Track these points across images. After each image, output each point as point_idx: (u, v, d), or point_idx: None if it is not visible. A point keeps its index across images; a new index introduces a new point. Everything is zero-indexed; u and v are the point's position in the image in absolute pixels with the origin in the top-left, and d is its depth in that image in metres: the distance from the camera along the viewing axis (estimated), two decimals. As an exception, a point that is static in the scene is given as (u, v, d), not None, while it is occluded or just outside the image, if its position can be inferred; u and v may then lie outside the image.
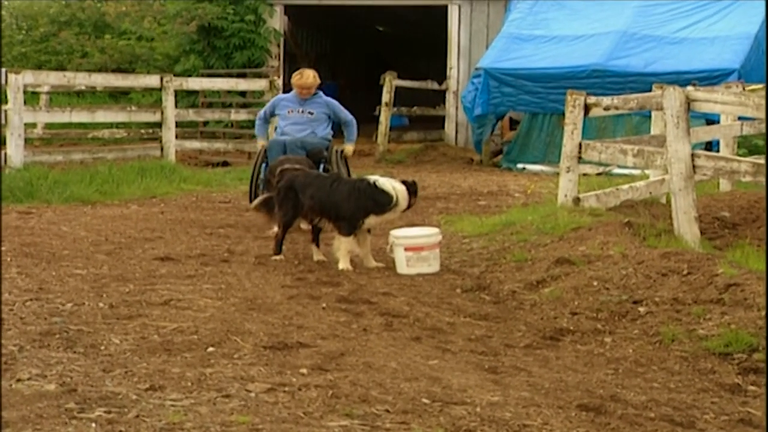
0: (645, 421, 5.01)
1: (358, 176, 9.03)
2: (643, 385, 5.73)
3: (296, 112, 11.66)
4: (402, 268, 8.53)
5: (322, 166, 11.32)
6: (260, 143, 11.99)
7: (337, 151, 11.78)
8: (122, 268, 8.12)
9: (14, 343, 5.68)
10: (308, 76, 11.84)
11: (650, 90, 11.76)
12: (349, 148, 12.02)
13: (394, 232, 8.82)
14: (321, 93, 11.96)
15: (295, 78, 11.87)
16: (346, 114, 12.04)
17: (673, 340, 6.50)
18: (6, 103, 13.65)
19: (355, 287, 7.82)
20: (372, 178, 8.64)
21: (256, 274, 8.17)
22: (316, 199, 8.62)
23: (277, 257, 8.79)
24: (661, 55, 17.26)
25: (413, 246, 8.56)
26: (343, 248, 8.51)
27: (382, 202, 8.45)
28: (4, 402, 4.64)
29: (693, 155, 9.24)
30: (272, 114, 11.97)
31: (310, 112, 11.67)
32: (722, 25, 17.72)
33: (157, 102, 17.54)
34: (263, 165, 11.50)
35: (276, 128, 12.09)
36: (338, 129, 12.14)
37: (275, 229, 9.48)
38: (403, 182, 8.69)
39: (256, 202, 9.24)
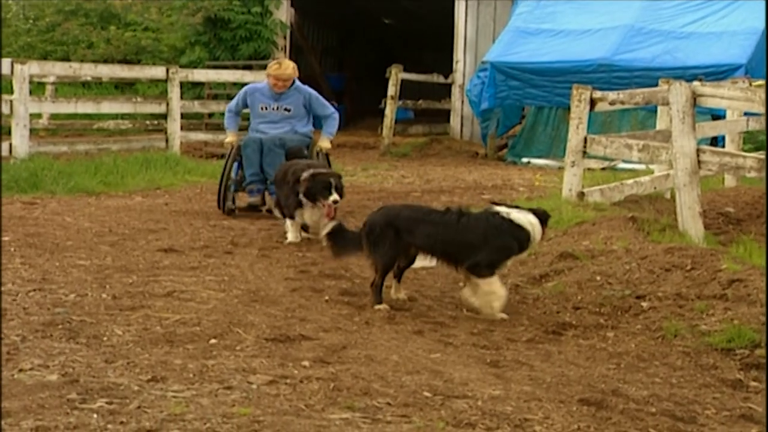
0: (646, 416, 5.01)
1: (484, 208, 7.32)
2: (645, 380, 5.72)
3: (271, 108, 10.78)
4: None
5: None
6: (230, 138, 11.07)
7: (319, 149, 10.89)
8: (125, 259, 8.12)
9: (17, 333, 5.69)
10: (287, 67, 10.82)
11: (656, 85, 11.74)
12: (326, 143, 10.90)
13: None
14: (297, 81, 10.92)
15: (273, 68, 10.81)
16: (326, 107, 10.99)
17: (676, 336, 6.49)
18: (11, 93, 13.65)
19: (357, 280, 7.82)
20: (503, 210, 7.07)
21: (259, 266, 8.17)
22: (436, 238, 7.02)
23: (380, 307, 6.97)
24: (668, 50, 17.23)
25: None
26: (492, 290, 6.93)
27: (521, 239, 6.95)
28: (6, 392, 4.65)
29: (698, 150, 9.22)
30: (244, 106, 11.02)
31: (286, 109, 10.78)
32: (730, 20, 17.67)
33: (163, 93, 17.53)
34: (235, 165, 10.85)
35: (249, 124, 11.16)
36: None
37: (290, 236, 9.27)
38: (533, 212, 7.16)
39: (325, 231, 7.41)
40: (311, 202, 9.13)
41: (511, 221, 6.92)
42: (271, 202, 10.53)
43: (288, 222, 9.45)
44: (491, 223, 6.96)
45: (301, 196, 9.13)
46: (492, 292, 6.90)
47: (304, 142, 10.81)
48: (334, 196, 9.00)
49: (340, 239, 7.29)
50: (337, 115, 11.00)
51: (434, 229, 7.01)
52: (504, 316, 6.88)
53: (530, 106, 18.26)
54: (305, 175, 9.10)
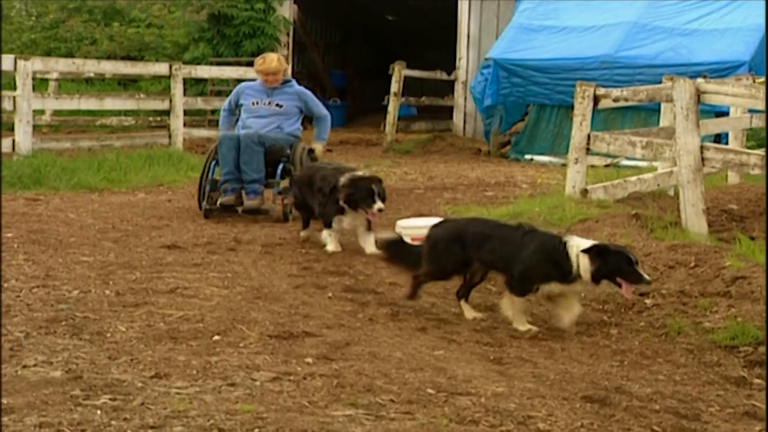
0: (650, 413, 5.01)
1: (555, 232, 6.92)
2: (649, 378, 5.72)
3: (262, 103, 10.56)
4: None
5: (281, 166, 10.38)
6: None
7: (303, 149, 10.49)
8: (129, 256, 8.12)
9: (20, 329, 5.69)
10: (272, 60, 10.58)
11: (660, 82, 11.73)
12: (319, 147, 10.67)
13: (401, 222, 8.81)
14: (293, 82, 10.83)
15: (258, 63, 10.68)
16: (320, 108, 10.74)
17: (679, 333, 6.50)
18: (15, 89, 13.65)
19: (361, 277, 7.82)
20: (568, 238, 6.61)
21: (263, 263, 8.17)
22: (499, 254, 6.72)
23: (412, 301, 6.96)
24: (672, 47, 17.22)
25: (420, 236, 8.53)
26: (514, 309, 6.69)
27: (561, 268, 6.46)
28: (9, 388, 4.65)
29: (702, 147, 9.22)
30: (237, 104, 10.79)
31: (278, 104, 10.54)
32: (734, 16, 17.66)
33: (166, 90, 17.54)
34: (213, 164, 10.47)
35: (237, 121, 10.90)
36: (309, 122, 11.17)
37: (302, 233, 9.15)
38: (596, 248, 6.41)
39: (381, 242, 7.26)
40: (352, 210, 8.64)
41: (559, 248, 6.47)
42: (254, 201, 10.20)
43: (325, 231, 8.89)
44: (543, 244, 6.58)
45: (342, 203, 8.63)
46: (511, 309, 6.66)
47: (288, 141, 10.46)
48: (379, 204, 8.52)
49: (398, 252, 7.14)
50: (329, 118, 10.78)
51: (499, 244, 6.71)
52: (533, 329, 6.57)
53: (533, 104, 18.24)
54: (343, 180, 8.64)
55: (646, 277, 6.33)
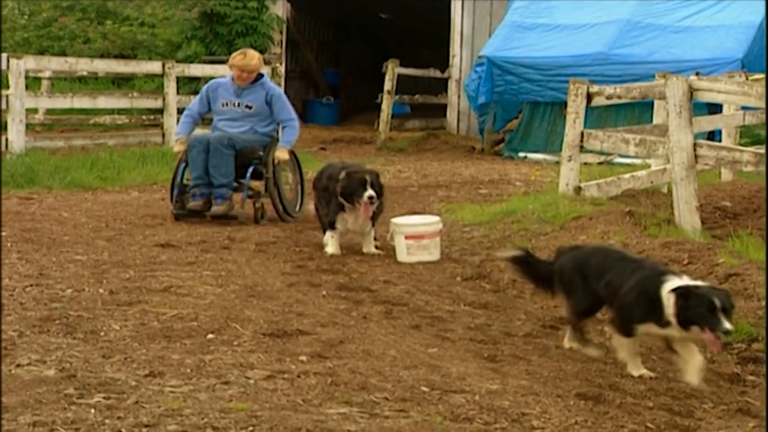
0: (643, 410, 5.02)
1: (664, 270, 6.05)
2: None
3: (231, 105, 10.06)
4: (402, 256, 8.52)
5: (251, 168, 10.00)
6: (178, 148, 10.24)
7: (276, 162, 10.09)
8: (122, 255, 8.12)
9: (14, 328, 5.68)
10: (253, 58, 10.05)
11: (653, 79, 11.75)
12: (284, 153, 10.07)
13: (395, 220, 8.81)
14: (266, 78, 10.24)
15: (237, 58, 10.07)
16: (287, 111, 10.15)
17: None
18: (7, 88, 13.63)
19: (355, 275, 7.82)
20: (670, 277, 5.78)
21: (257, 261, 8.16)
22: (611, 288, 6.05)
23: (592, 352, 6.16)
24: (665, 44, 17.25)
25: (414, 234, 8.55)
26: (625, 351, 5.96)
27: (652, 308, 5.76)
28: (3, 387, 4.64)
29: (695, 145, 9.23)
30: (203, 108, 10.26)
31: (247, 105, 10.04)
32: (726, 14, 17.69)
33: (159, 88, 17.51)
34: (183, 167, 10.03)
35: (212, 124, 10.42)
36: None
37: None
38: (680, 289, 5.65)
39: (506, 255, 6.87)
40: (349, 204, 8.55)
41: (655, 285, 5.75)
42: (222, 207, 9.84)
43: (328, 233, 8.73)
44: (642, 280, 5.88)
45: (339, 198, 8.57)
46: (621, 351, 5.98)
47: (262, 143, 10.05)
48: (369, 192, 8.45)
49: (530, 269, 6.64)
50: (297, 124, 10.22)
51: (612, 278, 6.05)
52: (647, 373, 5.84)
53: (526, 101, 18.24)
54: (341, 175, 8.61)
55: (726, 325, 5.46)
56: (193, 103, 10.44)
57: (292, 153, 10.28)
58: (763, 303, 6.57)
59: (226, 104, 10.09)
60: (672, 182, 9.56)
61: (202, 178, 9.90)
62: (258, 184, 10.18)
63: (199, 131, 10.45)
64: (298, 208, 10.52)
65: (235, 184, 10.00)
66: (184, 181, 10.08)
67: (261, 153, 9.98)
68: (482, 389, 5.04)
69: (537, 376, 5.47)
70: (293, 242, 9.16)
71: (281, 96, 10.17)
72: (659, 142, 9.74)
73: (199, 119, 10.46)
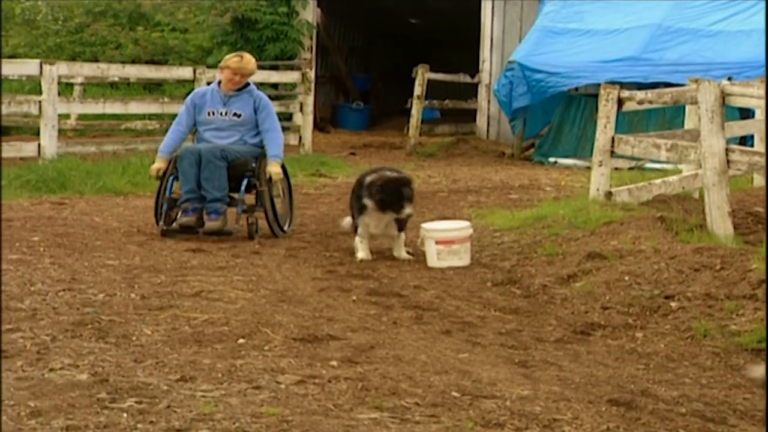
0: (676, 416, 4.99)
1: None
2: (675, 381, 5.70)
3: (218, 114, 9.43)
4: (432, 261, 8.51)
5: (246, 181, 9.37)
6: (156, 164, 9.56)
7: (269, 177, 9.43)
8: (154, 259, 8.15)
9: (47, 332, 5.72)
10: (249, 61, 9.53)
11: (684, 84, 11.69)
12: (276, 167, 9.41)
13: (425, 225, 8.81)
14: (252, 86, 9.64)
15: (233, 60, 9.51)
16: (273, 121, 9.51)
17: (705, 336, 6.46)
18: (40, 93, 13.72)
19: (385, 280, 7.82)
20: None
21: (287, 266, 8.18)
22: None
23: None
24: (696, 48, 17.17)
25: (444, 239, 8.54)
26: None
27: None
28: (36, 391, 4.68)
29: (727, 150, 9.17)
30: (191, 120, 9.60)
31: (235, 114, 9.42)
32: (759, 17, 17.55)
33: (190, 94, 17.55)
34: (172, 180, 9.38)
35: (195, 134, 9.73)
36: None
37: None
38: None
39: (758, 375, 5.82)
40: (380, 211, 8.47)
41: None
42: (216, 223, 9.22)
43: (357, 238, 8.67)
44: None
45: (368, 203, 8.48)
46: None
47: (253, 154, 9.45)
48: (408, 210, 8.43)
49: None
50: (280, 135, 9.59)
51: None
52: None
53: (558, 91, 18.02)
54: (369, 179, 8.52)
55: None
56: (180, 116, 9.71)
57: (282, 166, 9.56)
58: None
59: (212, 113, 9.47)
60: (704, 187, 9.50)
61: (194, 191, 9.21)
62: (249, 197, 9.58)
63: (201, 144, 9.58)
64: (288, 224, 9.77)
65: (228, 198, 9.38)
66: (173, 195, 9.41)
67: (254, 165, 9.38)
68: (513, 395, 5.03)
69: (568, 382, 5.44)
70: (323, 247, 9.17)
71: (269, 105, 9.60)
72: (691, 147, 9.69)
73: (188, 133, 9.78)
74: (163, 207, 9.36)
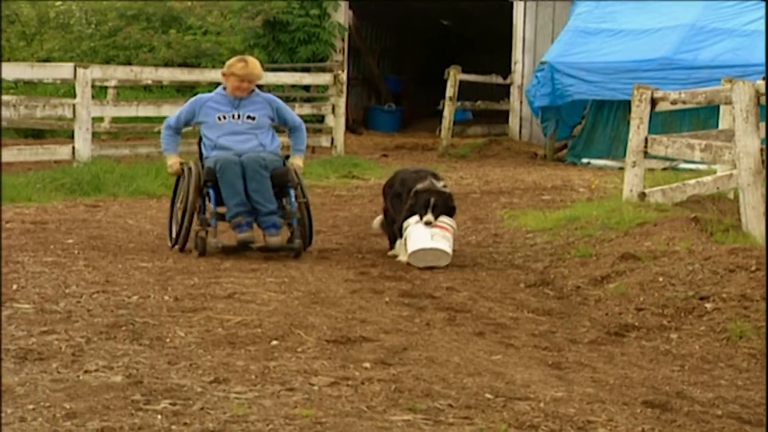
0: (712, 418, 4.95)
1: None
2: (710, 382, 5.66)
3: (230, 117, 8.85)
4: (425, 242, 8.35)
5: (292, 193, 8.77)
6: (172, 161, 9.07)
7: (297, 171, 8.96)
8: (187, 262, 8.18)
9: (81, 335, 5.76)
10: (255, 65, 8.99)
11: (719, 83, 11.61)
12: (299, 161, 9.09)
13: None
14: (256, 89, 9.13)
15: (238, 66, 8.90)
16: (293, 116, 9.16)
17: (741, 337, 6.41)
18: (74, 97, 13.81)
19: (418, 282, 7.81)
20: None
21: (319, 268, 8.19)
22: None
23: None
24: (731, 48, 17.03)
25: (439, 225, 8.46)
26: None
27: None
28: (71, 393, 4.71)
29: (762, 150, 9.10)
30: (188, 122, 9.11)
31: (249, 117, 8.88)
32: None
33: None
34: (210, 191, 8.66)
35: (202, 142, 9.11)
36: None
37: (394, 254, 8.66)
38: None
39: None
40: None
41: None
42: (278, 238, 8.69)
43: (398, 242, 8.63)
44: None
45: (407, 212, 8.46)
46: None
47: (280, 162, 8.91)
48: (428, 217, 8.36)
49: None
50: (304, 127, 9.25)
51: None
52: None
53: (585, 99, 18.04)
54: (416, 188, 8.47)
55: None
56: (174, 117, 9.22)
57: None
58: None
59: (223, 117, 8.88)
60: (738, 188, 9.44)
61: (244, 204, 8.62)
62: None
63: (218, 152, 8.90)
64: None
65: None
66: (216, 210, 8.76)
67: (295, 177, 8.85)
68: (547, 396, 5.01)
69: (602, 384, 5.42)
70: (356, 249, 9.17)
71: (281, 102, 9.14)
72: (725, 147, 9.62)
73: (180, 132, 9.32)
74: (210, 223, 8.64)
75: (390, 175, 9.51)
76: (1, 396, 4.62)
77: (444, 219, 8.53)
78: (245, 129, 8.88)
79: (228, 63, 9.08)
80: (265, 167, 8.65)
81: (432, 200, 8.46)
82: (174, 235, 8.84)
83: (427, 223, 8.40)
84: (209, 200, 8.69)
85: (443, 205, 8.52)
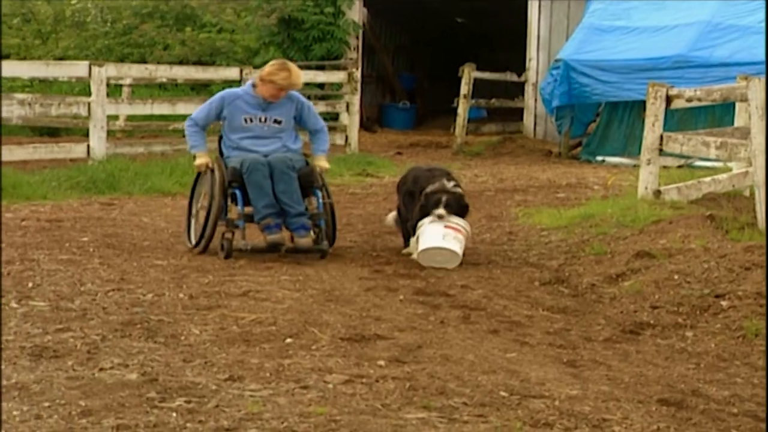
0: (728, 416, 4.94)
1: None
2: (726, 380, 5.64)
3: (257, 120, 8.63)
4: (436, 241, 8.35)
5: (319, 194, 8.65)
6: (201, 160, 8.75)
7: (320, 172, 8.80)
8: (201, 259, 8.19)
9: (97, 332, 5.77)
10: (299, 75, 8.70)
11: (734, 81, 11.57)
12: (325, 162, 8.92)
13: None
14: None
15: (281, 75, 8.56)
16: (317, 120, 8.96)
17: (757, 335, 6.39)
18: (89, 95, 13.84)
19: (432, 279, 7.81)
20: None
21: (334, 265, 8.19)
22: None
23: None
24: (746, 45, 16.95)
25: (451, 226, 8.44)
26: None
27: None
28: (87, 390, 4.72)
29: (778, 147, 9.07)
30: (217, 117, 8.77)
31: (276, 120, 8.67)
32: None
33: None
34: (237, 192, 8.49)
35: (222, 141, 8.87)
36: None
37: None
38: None
39: None
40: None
41: None
42: (308, 239, 8.50)
43: (413, 240, 8.60)
44: None
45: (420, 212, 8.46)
46: None
47: (303, 162, 8.78)
48: (439, 211, 8.35)
49: None
50: (326, 129, 9.06)
51: None
52: None
53: (602, 101, 18.06)
54: (427, 189, 8.47)
55: None
56: (200, 113, 8.85)
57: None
58: None
59: (250, 119, 8.65)
60: (754, 185, 9.40)
61: (273, 206, 8.44)
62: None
63: (240, 152, 8.69)
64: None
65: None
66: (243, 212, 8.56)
67: (320, 179, 8.72)
68: (562, 394, 5.00)
69: (618, 382, 5.40)
70: (370, 247, 9.18)
71: (308, 104, 8.95)
72: (741, 144, 9.59)
73: (207, 129, 9.00)
74: (239, 225, 8.46)
75: (403, 172, 9.50)
76: (1, 395, 4.63)
77: (457, 220, 8.51)
78: (270, 133, 8.68)
79: (269, 70, 8.65)
80: (292, 168, 8.49)
81: (444, 198, 8.45)
82: (196, 236, 8.67)
83: (440, 217, 8.38)
84: (235, 201, 8.53)
85: (455, 204, 8.51)
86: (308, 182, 8.61)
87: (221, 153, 8.84)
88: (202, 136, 8.83)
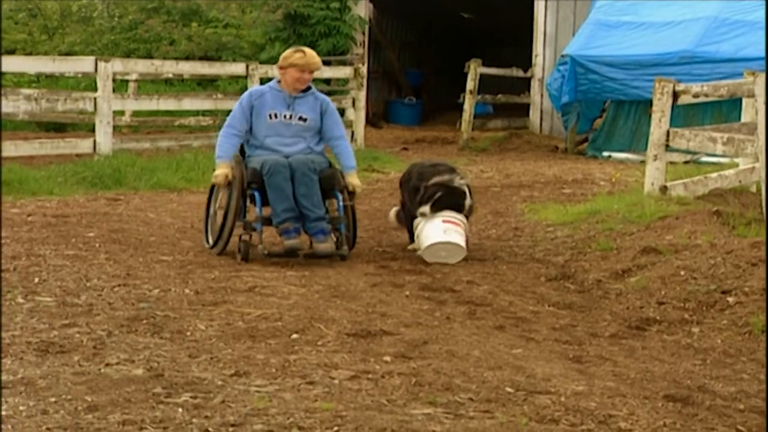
0: (734, 412, 4.93)
1: None
2: (732, 377, 5.63)
3: (282, 117, 8.39)
4: (438, 236, 8.35)
5: (340, 197, 8.41)
6: (220, 171, 8.39)
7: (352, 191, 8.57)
8: (207, 255, 8.19)
9: (103, 328, 5.78)
10: (314, 54, 8.48)
11: (741, 76, 11.55)
12: (357, 179, 8.63)
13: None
14: (313, 87, 8.67)
15: (296, 56, 8.39)
16: (339, 127, 8.65)
17: (763, 331, 6.38)
18: (95, 90, 13.85)
19: (438, 275, 7.80)
20: None
21: (339, 261, 8.18)
22: None
23: None
24: (753, 41, 16.92)
25: (450, 220, 8.44)
26: None
27: None
28: (93, 386, 4.73)
29: (785, 143, 9.05)
30: (251, 114, 8.45)
31: (301, 118, 8.42)
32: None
33: (243, 90, 17.61)
34: (256, 194, 8.26)
35: (247, 141, 8.58)
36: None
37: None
38: None
39: None
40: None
41: None
42: (328, 244, 8.23)
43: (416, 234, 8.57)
44: None
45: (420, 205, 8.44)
46: None
47: (325, 164, 8.50)
48: (423, 209, 8.38)
49: None
50: (348, 140, 8.83)
51: None
52: None
53: (610, 100, 18.07)
54: (426, 183, 8.45)
55: None
56: (233, 117, 8.54)
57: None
58: None
59: (275, 116, 8.40)
60: (761, 181, 9.39)
61: (293, 209, 8.17)
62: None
63: (262, 152, 8.48)
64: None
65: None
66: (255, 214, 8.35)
67: (342, 182, 8.45)
68: (568, 390, 5.00)
69: (623, 378, 5.40)
70: (376, 243, 9.17)
71: (335, 109, 8.72)
72: (748, 140, 9.57)
73: (244, 137, 8.55)
74: (256, 228, 8.20)
75: (407, 168, 9.49)
76: (1, 393, 4.64)
77: (452, 214, 8.49)
78: (295, 132, 8.44)
79: (283, 56, 8.55)
80: (314, 170, 8.23)
81: (438, 194, 8.43)
82: (213, 237, 8.49)
83: (422, 215, 8.39)
84: (254, 203, 8.33)
85: (449, 200, 8.48)
86: (329, 184, 8.37)
87: (242, 153, 8.65)
88: (233, 145, 8.47)
